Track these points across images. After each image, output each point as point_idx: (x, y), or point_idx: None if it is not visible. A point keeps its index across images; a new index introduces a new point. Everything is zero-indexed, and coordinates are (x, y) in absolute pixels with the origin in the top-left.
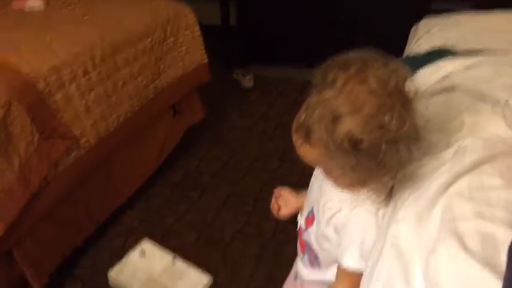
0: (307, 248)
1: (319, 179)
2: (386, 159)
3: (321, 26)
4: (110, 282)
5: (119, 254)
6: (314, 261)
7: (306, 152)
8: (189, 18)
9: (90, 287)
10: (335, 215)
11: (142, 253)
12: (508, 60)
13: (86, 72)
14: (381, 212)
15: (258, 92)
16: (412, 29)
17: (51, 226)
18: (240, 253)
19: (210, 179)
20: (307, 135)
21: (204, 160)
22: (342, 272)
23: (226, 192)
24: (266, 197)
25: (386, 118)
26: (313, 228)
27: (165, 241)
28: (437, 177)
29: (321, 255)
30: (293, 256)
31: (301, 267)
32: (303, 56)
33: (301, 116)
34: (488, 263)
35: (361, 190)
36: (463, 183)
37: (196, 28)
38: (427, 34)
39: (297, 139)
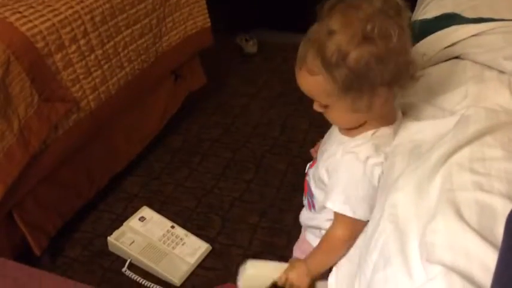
0: (308, 190)
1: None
2: (375, 78)
3: None
4: (109, 247)
5: (119, 219)
6: (311, 203)
7: (302, 78)
8: None
9: (90, 251)
10: (329, 158)
11: (142, 219)
12: None
13: (85, 33)
14: (370, 160)
15: (262, 58)
16: None
17: (52, 189)
18: (239, 220)
19: (211, 145)
20: (304, 60)
21: (205, 126)
22: (335, 215)
23: (226, 158)
24: (267, 164)
25: (369, 27)
26: (313, 169)
27: (164, 207)
28: (438, 146)
29: (316, 198)
30: (292, 225)
31: (303, 211)
32: (309, 22)
33: (301, 45)
34: (485, 234)
35: (357, 134)
36: (464, 154)
37: None
38: (435, 0)
39: (296, 69)
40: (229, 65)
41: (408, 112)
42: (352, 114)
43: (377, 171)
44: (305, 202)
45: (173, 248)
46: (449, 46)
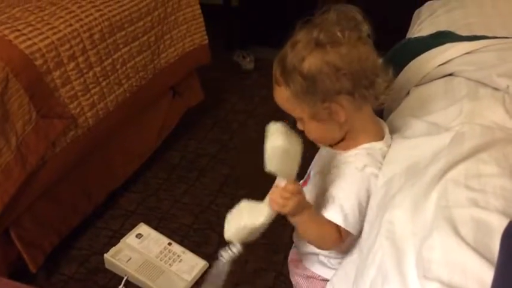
0: None
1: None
2: (331, 85)
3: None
4: (105, 264)
5: (116, 236)
6: None
7: (275, 93)
8: None
9: (86, 269)
10: (327, 175)
11: (139, 236)
12: None
13: (84, 51)
14: (368, 169)
15: (258, 75)
16: (415, 13)
17: (49, 206)
18: None
19: (208, 161)
20: (274, 74)
21: (203, 142)
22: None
23: (224, 175)
24: (264, 180)
25: (320, 35)
26: (307, 188)
27: (162, 224)
28: (434, 163)
29: None
30: (290, 241)
31: (294, 235)
32: None
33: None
34: (481, 250)
35: (349, 147)
36: (459, 171)
37: (197, 7)
38: (430, 17)
39: (274, 87)
40: (226, 82)
41: (403, 128)
42: (318, 124)
43: (373, 180)
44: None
45: (170, 265)
46: (443, 63)
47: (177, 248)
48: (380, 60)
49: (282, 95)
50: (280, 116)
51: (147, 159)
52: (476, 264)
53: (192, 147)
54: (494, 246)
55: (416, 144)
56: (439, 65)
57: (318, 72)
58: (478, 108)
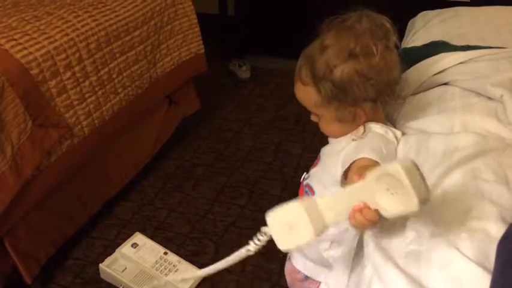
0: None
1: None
2: (358, 93)
3: (319, 17)
4: (101, 274)
5: (111, 246)
6: None
7: (297, 89)
8: (186, 6)
9: (81, 279)
10: (340, 152)
11: (135, 246)
12: (507, 55)
13: (80, 60)
14: (389, 133)
15: (255, 84)
16: (410, 23)
17: (44, 216)
18: (233, 246)
19: (204, 170)
20: (299, 72)
21: (199, 151)
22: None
23: (220, 183)
24: (261, 189)
25: (354, 46)
26: (317, 169)
27: (157, 233)
28: (427, 173)
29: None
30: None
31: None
32: (301, 48)
33: (299, 59)
34: (479, 260)
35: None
36: (455, 178)
37: (194, 16)
38: (424, 27)
39: (295, 82)
40: (222, 91)
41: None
42: (340, 124)
43: (395, 144)
44: None
45: (166, 274)
46: (437, 73)
47: (173, 257)
48: (400, 68)
49: (307, 95)
50: (276, 126)
51: (143, 168)
52: (474, 274)
53: (188, 156)
54: (492, 254)
55: (409, 149)
56: (434, 75)
57: (349, 81)
58: (472, 118)
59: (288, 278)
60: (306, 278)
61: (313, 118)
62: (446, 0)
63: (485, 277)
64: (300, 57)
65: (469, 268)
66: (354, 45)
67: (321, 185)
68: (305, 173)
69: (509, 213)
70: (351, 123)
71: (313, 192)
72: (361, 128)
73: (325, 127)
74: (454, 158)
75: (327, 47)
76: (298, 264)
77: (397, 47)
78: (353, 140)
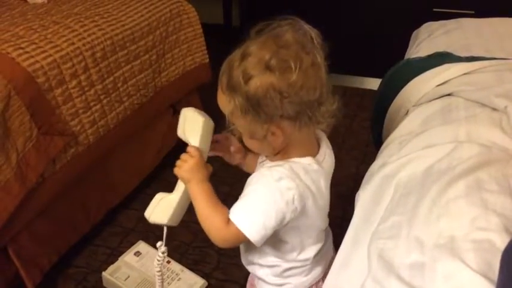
0: None
1: None
2: (274, 110)
3: (323, 29)
4: (103, 283)
5: (114, 254)
6: None
7: (218, 96)
8: (191, 16)
9: (84, 287)
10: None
11: (138, 254)
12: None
13: (86, 69)
14: (283, 182)
15: None
16: (414, 34)
17: (47, 223)
18: (235, 255)
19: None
20: (220, 79)
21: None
22: (230, 222)
23: (224, 193)
24: None
25: (272, 60)
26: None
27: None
28: (432, 182)
29: None
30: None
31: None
32: None
33: (223, 64)
34: (483, 270)
35: (278, 158)
36: (459, 189)
37: (198, 26)
38: (428, 38)
39: (218, 90)
40: None
41: (403, 149)
42: (260, 143)
43: (288, 195)
44: None
45: (169, 283)
46: (442, 84)
47: (175, 266)
48: (328, 87)
49: (223, 103)
50: None
51: (147, 176)
52: (478, 285)
53: None
54: (497, 265)
55: (411, 159)
56: (438, 85)
57: (263, 95)
58: (476, 129)
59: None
60: None
61: (236, 131)
62: (451, 11)
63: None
64: (224, 63)
65: (473, 279)
66: (269, 58)
67: None
68: None
69: None
70: (266, 140)
71: None
72: (280, 160)
73: (244, 139)
74: (458, 169)
75: (248, 55)
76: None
77: (326, 61)
78: (260, 162)
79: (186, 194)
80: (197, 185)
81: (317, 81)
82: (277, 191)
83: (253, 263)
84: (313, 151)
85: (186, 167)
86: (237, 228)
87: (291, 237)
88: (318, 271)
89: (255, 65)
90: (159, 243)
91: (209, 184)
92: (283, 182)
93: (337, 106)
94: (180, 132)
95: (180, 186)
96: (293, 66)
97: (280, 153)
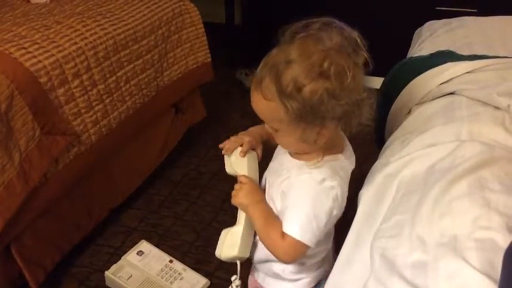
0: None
1: (280, 153)
2: (326, 113)
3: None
4: (106, 282)
5: (117, 253)
6: None
7: (256, 101)
8: (193, 15)
9: (87, 286)
10: (284, 181)
11: (140, 253)
12: None
13: (88, 68)
14: (327, 183)
15: None
16: (416, 32)
17: (50, 223)
18: None
19: (210, 178)
20: (260, 83)
21: (204, 159)
22: (284, 235)
23: (226, 192)
24: None
25: (325, 65)
26: (273, 164)
27: (163, 241)
28: (434, 180)
29: None
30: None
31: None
32: None
33: (260, 67)
34: (485, 269)
35: (310, 158)
36: (462, 187)
37: (201, 26)
38: (431, 37)
39: (252, 91)
40: (229, 99)
41: (405, 148)
42: (304, 143)
43: (332, 193)
44: None
45: (171, 282)
46: (444, 82)
47: (178, 265)
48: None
49: (270, 110)
50: None
51: (149, 176)
52: (481, 284)
53: (194, 165)
54: (499, 264)
55: (413, 158)
56: (441, 84)
57: (318, 100)
58: (478, 127)
59: None
60: None
61: (268, 128)
62: (453, 10)
63: (491, 287)
64: (261, 66)
65: (476, 278)
66: (327, 65)
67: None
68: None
69: None
70: (312, 143)
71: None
72: (316, 158)
73: (282, 141)
74: (460, 167)
75: (293, 62)
76: (259, 278)
77: (367, 63)
78: (303, 167)
79: (248, 222)
80: (254, 207)
81: (361, 81)
82: (322, 193)
83: (269, 260)
84: (341, 148)
85: (240, 194)
86: (292, 239)
87: None
88: (326, 266)
89: (307, 73)
90: (233, 277)
91: (266, 205)
92: (326, 182)
93: (372, 104)
94: (228, 169)
95: (241, 217)
96: (346, 70)
97: (312, 152)
